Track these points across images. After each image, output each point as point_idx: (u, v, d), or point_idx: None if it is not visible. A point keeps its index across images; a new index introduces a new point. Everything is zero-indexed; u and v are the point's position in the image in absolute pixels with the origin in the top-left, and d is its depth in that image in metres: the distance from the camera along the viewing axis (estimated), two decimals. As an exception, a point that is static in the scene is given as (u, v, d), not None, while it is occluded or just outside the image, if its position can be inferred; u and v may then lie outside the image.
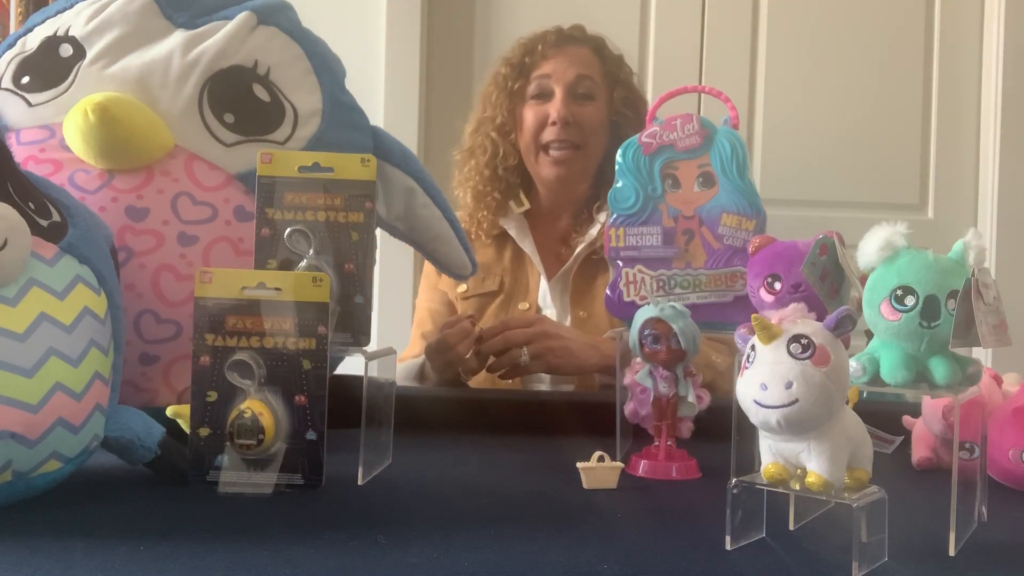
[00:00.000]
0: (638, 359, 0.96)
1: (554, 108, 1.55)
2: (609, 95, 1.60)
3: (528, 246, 1.61)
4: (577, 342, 1.39)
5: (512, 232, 1.62)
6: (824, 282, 0.82)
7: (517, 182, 1.64)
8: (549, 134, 1.56)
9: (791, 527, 0.74)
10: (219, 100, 1.01)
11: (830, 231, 0.83)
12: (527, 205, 1.63)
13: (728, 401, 0.75)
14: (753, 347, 0.66)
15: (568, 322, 1.55)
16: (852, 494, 0.65)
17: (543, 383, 1.50)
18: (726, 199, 0.98)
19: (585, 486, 0.87)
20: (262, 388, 0.83)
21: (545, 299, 1.58)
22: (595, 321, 1.53)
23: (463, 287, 1.59)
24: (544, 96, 1.58)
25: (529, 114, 1.59)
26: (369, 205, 0.91)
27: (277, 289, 0.84)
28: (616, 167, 1.02)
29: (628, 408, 0.97)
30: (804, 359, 0.63)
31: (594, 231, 1.56)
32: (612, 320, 1.50)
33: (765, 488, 0.68)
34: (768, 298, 0.85)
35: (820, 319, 0.66)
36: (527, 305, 1.57)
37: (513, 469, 0.97)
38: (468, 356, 1.34)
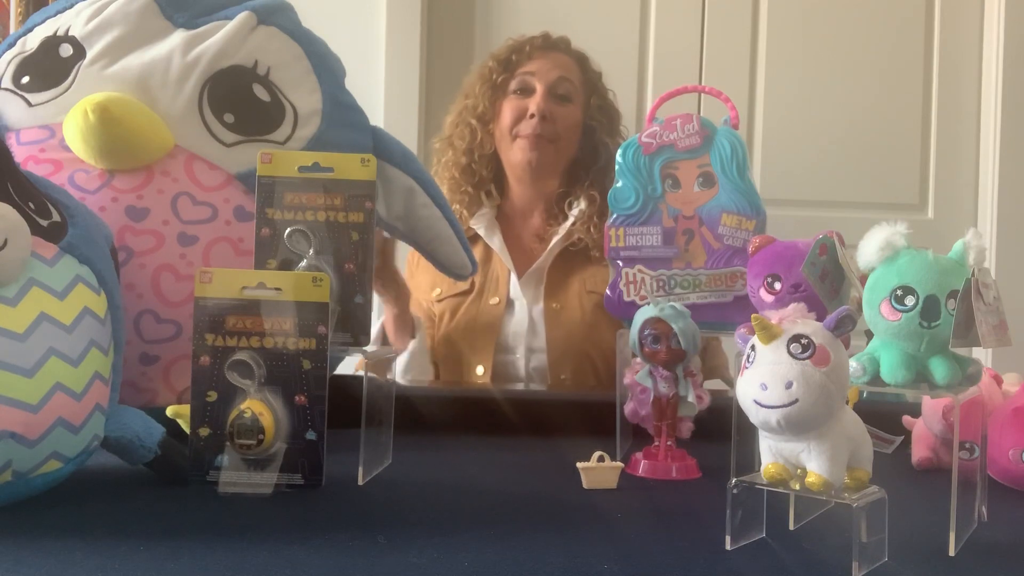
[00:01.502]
0: (638, 359, 0.96)
1: (534, 103, 1.60)
2: (586, 101, 1.66)
3: (496, 243, 1.64)
4: None
5: (481, 232, 1.65)
6: (824, 282, 0.82)
7: (489, 176, 1.68)
8: (526, 127, 1.60)
9: (791, 527, 0.74)
10: (219, 100, 1.01)
11: (830, 231, 0.83)
12: (498, 199, 1.68)
13: (718, 400, 0.75)
14: (753, 347, 0.66)
15: (540, 314, 1.57)
16: (852, 494, 0.65)
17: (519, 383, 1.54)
18: (726, 199, 0.98)
19: (585, 486, 0.87)
20: (262, 388, 0.83)
21: (516, 293, 1.60)
22: (568, 313, 1.56)
23: (438, 290, 1.62)
24: (525, 91, 1.63)
25: (508, 107, 1.64)
26: (369, 205, 0.91)
27: (277, 289, 0.84)
28: (616, 167, 1.02)
29: (628, 408, 0.97)
30: (804, 359, 0.63)
31: (567, 225, 1.60)
32: (584, 311, 1.55)
33: (765, 488, 0.68)
34: (768, 298, 0.85)
35: (820, 319, 0.66)
36: (497, 299, 1.59)
37: (513, 469, 0.97)
38: None
